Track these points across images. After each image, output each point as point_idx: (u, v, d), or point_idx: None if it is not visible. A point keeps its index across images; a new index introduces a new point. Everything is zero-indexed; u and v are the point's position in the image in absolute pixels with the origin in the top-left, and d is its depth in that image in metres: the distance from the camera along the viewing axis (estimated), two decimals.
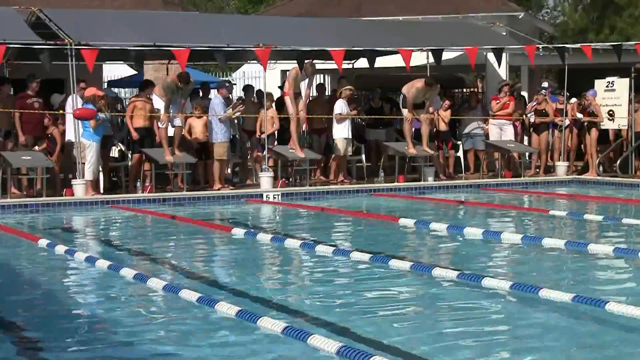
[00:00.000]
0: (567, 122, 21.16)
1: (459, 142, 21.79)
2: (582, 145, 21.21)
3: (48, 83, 18.96)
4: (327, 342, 6.55)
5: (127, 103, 22.34)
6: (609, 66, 21.35)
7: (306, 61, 18.99)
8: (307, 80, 19.39)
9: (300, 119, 19.09)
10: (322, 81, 25.24)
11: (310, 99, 20.57)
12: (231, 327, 7.49)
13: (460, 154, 21.75)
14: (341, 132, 19.73)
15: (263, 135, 19.05)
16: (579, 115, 20.93)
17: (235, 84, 24.12)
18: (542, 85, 22.73)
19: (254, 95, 20.42)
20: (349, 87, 20.09)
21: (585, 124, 20.72)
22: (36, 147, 17.67)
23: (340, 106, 19.79)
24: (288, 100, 19.02)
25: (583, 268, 10.28)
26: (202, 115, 18.66)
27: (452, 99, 22.22)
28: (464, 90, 30.41)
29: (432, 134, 20.52)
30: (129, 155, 18.91)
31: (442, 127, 21.12)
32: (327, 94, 22.36)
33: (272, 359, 6.70)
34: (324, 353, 6.50)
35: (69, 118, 17.54)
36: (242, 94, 21.67)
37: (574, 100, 21.39)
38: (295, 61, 18.95)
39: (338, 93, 20.26)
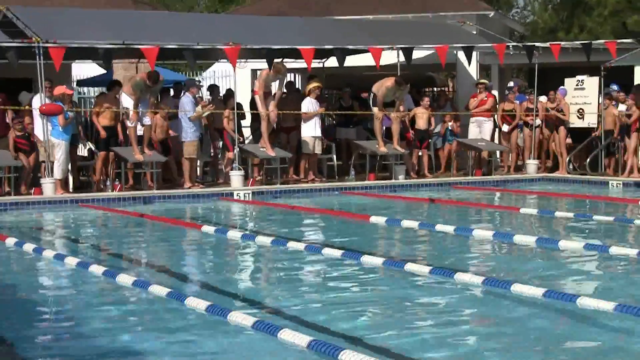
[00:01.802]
0: (538, 121, 21.20)
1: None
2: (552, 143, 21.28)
3: (16, 82, 18.79)
4: (297, 336, 6.50)
5: (93, 102, 22.19)
6: (579, 65, 21.42)
7: (276, 61, 18.89)
8: (278, 80, 19.34)
9: (270, 118, 19.02)
10: (291, 79, 25.13)
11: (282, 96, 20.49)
12: (201, 322, 7.45)
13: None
14: (309, 130, 19.69)
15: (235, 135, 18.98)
16: (549, 107, 20.96)
17: (202, 85, 24.00)
18: (509, 85, 22.78)
19: (219, 94, 20.38)
20: (315, 84, 20.01)
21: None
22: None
23: (307, 104, 19.74)
24: (258, 99, 18.97)
25: (554, 264, 10.31)
26: (167, 114, 18.59)
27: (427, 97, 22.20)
28: (435, 89, 30.44)
29: (404, 132, 20.48)
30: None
31: (421, 125, 20.98)
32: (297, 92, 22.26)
33: (241, 353, 6.65)
34: (294, 347, 6.46)
35: (37, 117, 17.35)
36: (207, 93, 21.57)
37: (543, 98, 21.44)
38: (265, 60, 18.88)
39: (307, 91, 20.21)
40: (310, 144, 19.63)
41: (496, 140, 22.13)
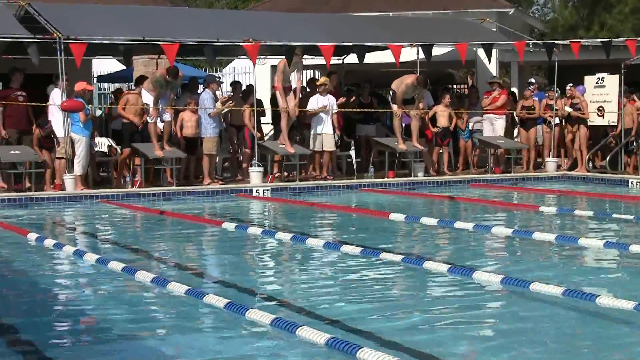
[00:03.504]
0: (557, 119, 21.15)
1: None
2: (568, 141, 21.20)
3: (37, 78, 18.86)
4: (316, 334, 6.51)
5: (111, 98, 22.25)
6: (599, 62, 21.34)
7: (296, 51, 18.75)
8: (296, 73, 19.21)
9: (290, 114, 18.99)
10: (314, 76, 25.10)
11: (303, 93, 20.50)
12: (219, 319, 7.46)
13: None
14: (316, 127, 19.63)
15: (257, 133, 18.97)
16: (568, 109, 20.86)
17: (222, 81, 24.02)
18: (529, 81, 22.71)
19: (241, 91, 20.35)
20: (322, 80, 19.91)
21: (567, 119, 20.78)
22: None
23: (314, 101, 19.61)
24: (278, 94, 18.93)
25: (574, 262, 10.29)
26: (195, 110, 18.57)
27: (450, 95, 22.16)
28: (454, 86, 30.40)
29: (423, 130, 20.43)
30: (119, 150, 18.89)
31: (443, 122, 20.89)
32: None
33: (260, 350, 6.66)
34: (313, 345, 6.48)
35: (56, 112, 17.39)
36: (230, 89, 21.56)
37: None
38: (285, 57, 18.85)
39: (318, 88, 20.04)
40: (317, 140, 19.49)
41: (516, 138, 22.08)
